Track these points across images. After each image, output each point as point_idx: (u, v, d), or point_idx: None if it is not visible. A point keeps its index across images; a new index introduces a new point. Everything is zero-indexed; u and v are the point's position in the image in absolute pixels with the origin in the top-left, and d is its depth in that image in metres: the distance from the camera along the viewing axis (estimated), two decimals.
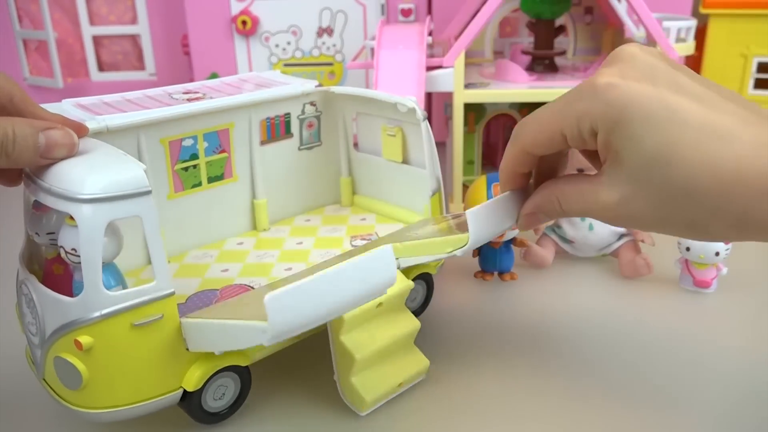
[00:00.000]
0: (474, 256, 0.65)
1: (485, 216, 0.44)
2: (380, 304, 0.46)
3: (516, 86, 0.79)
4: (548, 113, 0.39)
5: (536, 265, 0.67)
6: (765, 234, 0.33)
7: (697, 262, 0.61)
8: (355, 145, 0.67)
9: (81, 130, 0.42)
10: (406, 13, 1.06)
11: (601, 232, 0.66)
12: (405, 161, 0.62)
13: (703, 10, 1.04)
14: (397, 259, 0.50)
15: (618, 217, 0.37)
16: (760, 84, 1.05)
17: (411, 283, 0.49)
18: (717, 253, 0.60)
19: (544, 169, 0.44)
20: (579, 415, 0.47)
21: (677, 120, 0.34)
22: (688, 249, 0.61)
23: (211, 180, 0.58)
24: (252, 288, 0.51)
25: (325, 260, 0.51)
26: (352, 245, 0.58)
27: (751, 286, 0.64)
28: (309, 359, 0.53)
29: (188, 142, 0.55)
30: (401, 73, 0.74)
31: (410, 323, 0.49)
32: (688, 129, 0.34)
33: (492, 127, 0.99)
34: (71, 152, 0.39)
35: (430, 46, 0.84)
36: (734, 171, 0.32)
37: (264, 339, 0.34)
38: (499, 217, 0.45)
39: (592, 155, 0.41)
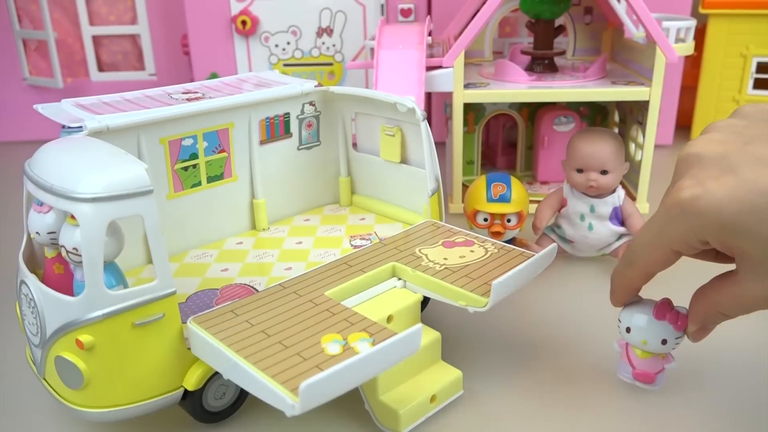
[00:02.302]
0: None
1: (509, 284, 0.45)
2: (390, 318, 0.46)
3: (515, 86, 0.79)
4: (654, 238, 0.40)
5: None
6: None
7: (639, 348, 0.46)
8: (354, 145, 0.67)
9: None
10: (405, 13, 1.06)
11: (601, 231, 0.66)
12: (404, 161, 0.62)
13: (702, 10, 1.04)
14: (404, 281, 0.50)
15: None
16: (759, 84, 1.05)
17: (420, 296, 0.49)
18: (664, 341, 0.45)
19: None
20: (582, 416, 0.47)
21: None
22: (628, 330, 0.46)
23: (210, 180, 0.58)
24: (253, 288, 0.51)
25: (327, 263, 0.51)
26: (352, 245, 0.58)
27: None
28: None
29: (188, 142, 0.55)
30: (401, 73, 0.74)
31: (428, 334, 0.48)
32: None
33: (491, 127, 0.99)
34: None
35: (429, 46, 0.84)
36: None
37: (288, 412, 0.34)
38: (522, 280, 0.47)
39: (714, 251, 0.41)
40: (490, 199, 0.65)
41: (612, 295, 0.46)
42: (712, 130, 0.39)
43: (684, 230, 0.37)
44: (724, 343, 0.53)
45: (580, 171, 0.64)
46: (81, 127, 0.48)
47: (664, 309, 0.45)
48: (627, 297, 0.46)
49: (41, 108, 0.51)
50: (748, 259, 0.36)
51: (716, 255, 0.42)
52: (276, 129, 0.62)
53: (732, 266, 0.39)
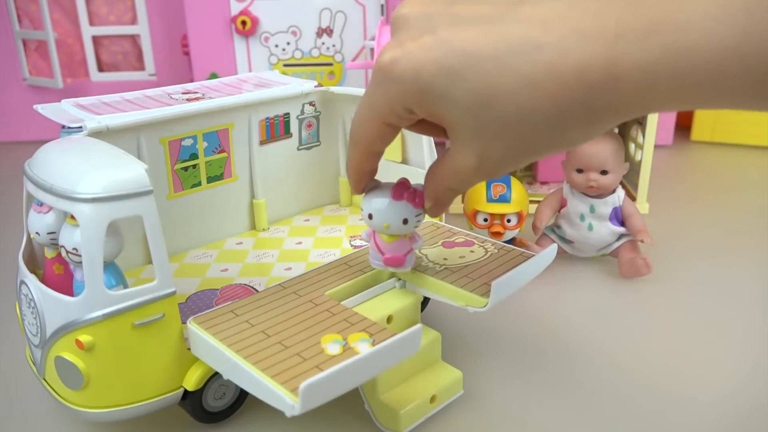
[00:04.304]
0: None
1: (509, 284, 0.45)
2: (390, 318, 0.46)
3: None
4: (366, 111, 0.37)
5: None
6: (617, 120, 0.31)
7: (384, 233, 0.45)
8: None
9: None
10: None
11: (601, 232, 0.66)
12: (404, 161, 0.62)
13: None
14: (404, 282, 0.49)
15: (492, 173, 0.35)
16: None
17: (420, 296, 0.49)
18: (405, 221, 0.44)
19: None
20: (583, 416, 0.47)
21: (469, 60, 0.31)
22: (370, 217, 0.44)
23: (210, 180, 0.58)
24: (253, 288, 0.51)
25: (327, 263, 0.51)
26: (352, 245, 0.58)
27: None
28: None
29: (188, 142, 0.55)
30: None
31: (428, 334, 0.48)
32: (484, 62, 0.30)
33: None
34: None
35: None
36: (550, 80, 0.29)
37: (288, 412, 0.34)
38: (522, 280, 0.47)
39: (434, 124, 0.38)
40: (490, 200, 0.65)
41: (350, 183, 0.43)
42: None
43: (388, 98, 0.34)
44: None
45: (580, 171, 0.64)
46: (81, 127, 0.48)
47: (402, 189, 0.43)
48: (362, 181, 0.42)
49: (41, 108, 0.51)
50: (452, 128, 0.34)
51: (437, 128, 0.38)
52: (276, 129, 0.62)
53: None
